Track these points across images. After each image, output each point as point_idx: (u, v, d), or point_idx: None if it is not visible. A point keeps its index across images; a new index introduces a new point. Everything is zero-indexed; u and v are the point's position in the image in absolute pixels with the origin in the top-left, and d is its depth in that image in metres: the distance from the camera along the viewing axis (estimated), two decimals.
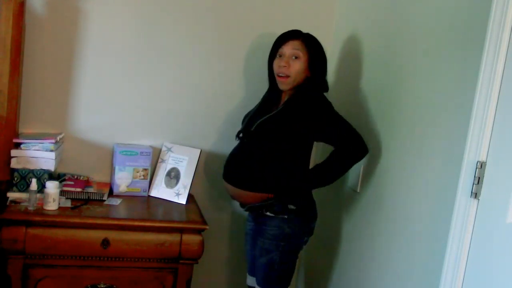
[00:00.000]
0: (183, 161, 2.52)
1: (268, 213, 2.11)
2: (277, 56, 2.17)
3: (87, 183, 2.43)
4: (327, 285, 2.53)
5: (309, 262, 2.79)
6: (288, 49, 2.13)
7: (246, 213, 2.34)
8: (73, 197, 2.32)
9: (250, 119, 2.23)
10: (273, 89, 2.25)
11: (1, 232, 2.04)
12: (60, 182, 2.30)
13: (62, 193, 2.26)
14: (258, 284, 2.21)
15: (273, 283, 2.19)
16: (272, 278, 2.18)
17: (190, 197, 2.50)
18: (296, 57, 2.12)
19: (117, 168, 2.45)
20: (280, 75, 2.14)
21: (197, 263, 2.25)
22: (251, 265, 2.33)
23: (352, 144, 2.09)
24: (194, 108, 2.63)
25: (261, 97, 2.34)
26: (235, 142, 2.51)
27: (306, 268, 2.82)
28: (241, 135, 2.24)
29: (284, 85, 2.15)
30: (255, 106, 2.32)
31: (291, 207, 2.10)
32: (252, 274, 2.31)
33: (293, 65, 2.11)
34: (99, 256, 2.14)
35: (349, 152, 2.09)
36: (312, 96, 2.12)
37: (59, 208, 2.17)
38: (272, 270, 2.15)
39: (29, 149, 2.25)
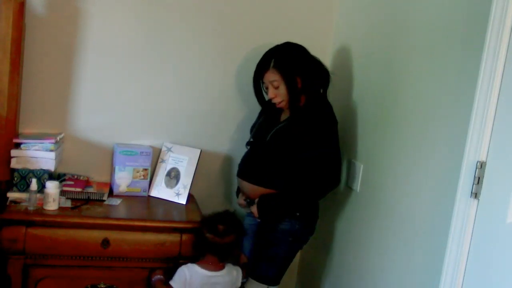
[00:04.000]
0: (183, 161, 2.52)
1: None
2: (264, 86, 2.27)
3: (87, 183, 2.43)
4: (326, 285, 2.53)
5: (308, 262, 2.79)
6: (267, 81, 2.22)
7: (246, 212, 2.40)
8: (73, 197, 2.32)
9: (259, 128, 2.34)
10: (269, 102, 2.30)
11: (1, 232, 2.04)
12: (60, 182, 2.30)
13: (62, 193, 2.26)
14: (252, 275, 2.25)
15: (268, 278, 2.25)
16: (270, 273, 2.24)
17: (190, 197, 2.50)
18: (277, 86, 2.19)
19: (117, 168, 2.45)
20: (274, 102, 2.23)
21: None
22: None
23: (326, 174, 2.18)
24: (194, 108, 2.63)
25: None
26: (235, 142, 2.53)
27: (305, 268, 2.82)
28: (251, 140, 2.35)
29: (283, 107, 2.26)
30: (260, 115, 2.42)
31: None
32: None
33: (279, 93, 2.20)
34: (99, 256, 2.14)
35: (320, 179, 2.18)
36: (316, 112, 2.20)
37: (59, 208, 2.17)
38: (272, 263, 2.24)
39: (29, 149, 2.25)
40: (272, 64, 2.18)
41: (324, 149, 2.15)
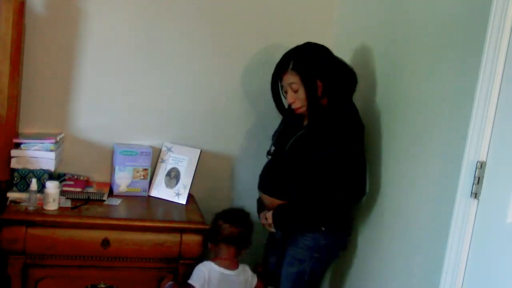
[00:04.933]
0: (183, 161, 2.52)
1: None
2: (283, 90, 2.15)
3: (87, 183, 2.43)
4: (326, 284, 2.53)
5: None
6: (286, 83, 2.09)
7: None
8: (73, 197, 2.32)
9: (279, 137, 2.21)
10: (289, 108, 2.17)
11: (1, 232, 2.04)
12: (60, 182, 2.30)
13: (62, 193, 2.26)
14: None
15: None
16: None
17: (190, 197, 2.50)
18: (296, 89, 2.06)
19: (117, 168, 2.45)
20: (293, 107, 2.10)
21: (197, 263, 2.25)
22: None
23: (337, 178, 1.99)
24: (194, 108, 2.63)
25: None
26: (235, 142, 2.50)
27: None
28: (272, 149, 2.23)
29: (303, 113, 2.11)
30: (282, 122, 2.29)
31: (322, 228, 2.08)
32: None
33: (298, 96, 2.06)
34: (99, 256, 2.14)
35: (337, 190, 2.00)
36: (336, 117, 2.05)
37: (59, 208, 2.17)
38: (302, 281, 2.12)
39: (29, 149, 2.25)
40: (291, 65, 2.04)
41: (332, 149, 1.96)
